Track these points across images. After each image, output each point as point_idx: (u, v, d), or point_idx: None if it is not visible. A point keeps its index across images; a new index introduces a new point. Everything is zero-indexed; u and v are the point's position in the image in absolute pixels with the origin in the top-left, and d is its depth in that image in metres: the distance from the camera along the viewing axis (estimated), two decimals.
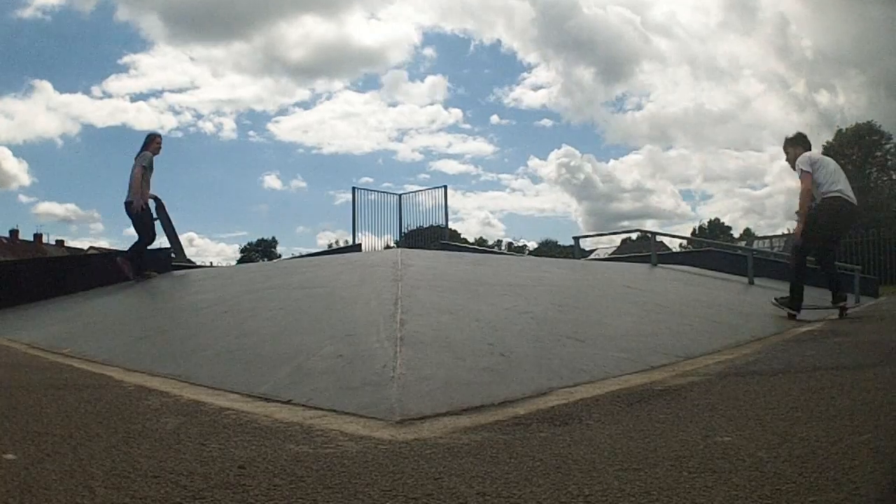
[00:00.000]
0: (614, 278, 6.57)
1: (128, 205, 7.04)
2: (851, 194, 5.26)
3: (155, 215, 7.35)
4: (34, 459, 1.58)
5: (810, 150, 5.60)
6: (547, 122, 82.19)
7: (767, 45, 68.82)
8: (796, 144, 5.59)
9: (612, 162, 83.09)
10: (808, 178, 5.19)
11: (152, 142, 7.21)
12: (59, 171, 73.62)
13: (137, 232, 7.19)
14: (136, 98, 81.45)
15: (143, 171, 7.00)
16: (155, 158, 7.18)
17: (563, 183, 78.59)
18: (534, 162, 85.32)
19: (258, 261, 43.18)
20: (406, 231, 15.52)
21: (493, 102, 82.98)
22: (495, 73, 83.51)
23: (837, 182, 5.21)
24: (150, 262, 7.56)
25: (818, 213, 5.24)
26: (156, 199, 7.32)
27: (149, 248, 7.42)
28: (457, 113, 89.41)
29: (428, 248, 12.90)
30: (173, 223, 7.98)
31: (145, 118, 73.61)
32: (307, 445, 1.72)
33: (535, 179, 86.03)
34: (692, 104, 73.80)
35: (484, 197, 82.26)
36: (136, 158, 7.09)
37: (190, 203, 78.70)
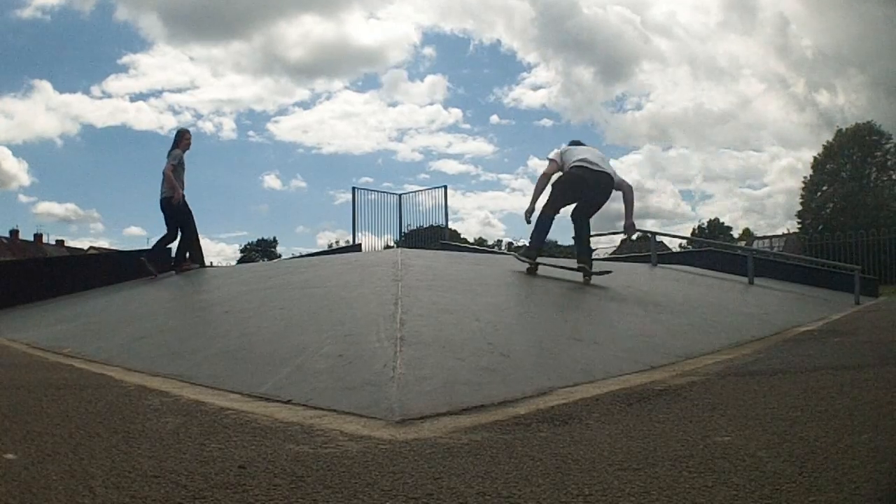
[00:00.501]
0: (614, 278, 6.57)
1: (163, 201, 7.10)
2: (601, 165, 5.57)
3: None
4: (34, 459, 1.58)
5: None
6: (547, 122, 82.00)
7: (767, 44, 68.69)
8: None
9: (612, 161, 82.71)
10: (552, 164, 5.67)
11: (182, 138, 7.26)
12: (59, 171, 73.54)
13: (181, 227, 7.23)
14: (135, 98, 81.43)
15: (175, 168, 7.06)
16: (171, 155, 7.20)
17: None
18: (533, 162, 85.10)
19: (258, 261, 43.19)
20: (406, 231, 15.53)
21: (492, 102, 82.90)
22: (495, 73, 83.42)
23: (584, 156, 5.58)
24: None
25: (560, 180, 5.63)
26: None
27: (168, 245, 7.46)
28: (456, 113, 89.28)
29: (428, 248, 12.90)
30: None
31: (145, 118, 73.68)
32: (307, 445, 1.72)
33: (535, 179, 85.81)
34: (692, 104, 73.72)
35: (484, 197, 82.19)
36: (167, 157, 7.16)
37: (189, 203, 78.57)
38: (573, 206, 5.61)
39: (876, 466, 1.47)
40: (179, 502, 1.29)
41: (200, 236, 7.62)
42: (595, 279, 5.51)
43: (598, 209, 5.75)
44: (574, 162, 5.55)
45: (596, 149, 5.89)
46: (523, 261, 5.67)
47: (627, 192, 5.71)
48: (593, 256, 6.16)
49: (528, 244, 5.76)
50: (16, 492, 1.33)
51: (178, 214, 7.16)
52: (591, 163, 5.52)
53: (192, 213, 7.32)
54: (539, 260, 5.70)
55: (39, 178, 73.36)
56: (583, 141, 6.09)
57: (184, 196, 7.18)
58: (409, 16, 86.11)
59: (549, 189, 5.62)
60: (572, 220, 5.67)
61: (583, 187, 5.51)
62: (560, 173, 5.63)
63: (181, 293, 6.08)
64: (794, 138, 65.54)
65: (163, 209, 7.17)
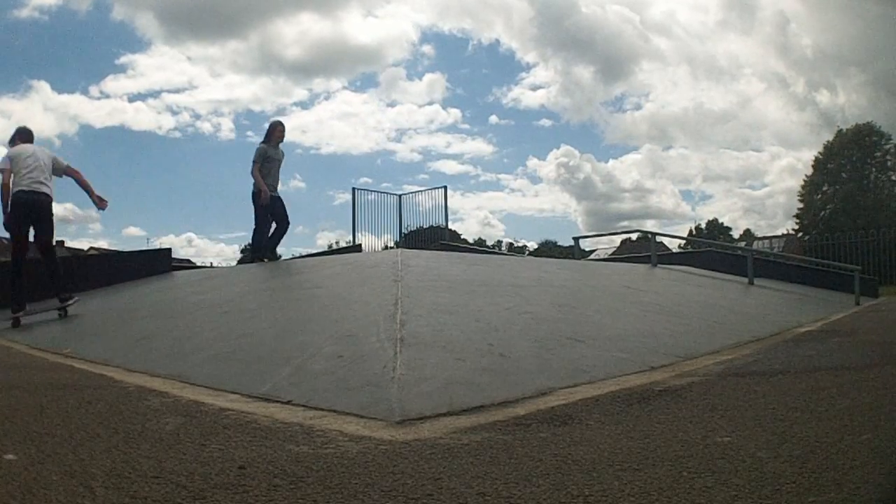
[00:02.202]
0: (614, 279, 6.58)
1: (253, 195, 7.10)
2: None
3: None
4: (35, 460, 1.58)
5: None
6: (546, 122, 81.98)
7: (767, 44, 68.58)
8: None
9: (611, 161, 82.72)
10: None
11: (274, 130, 7.28)
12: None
13: (276, 221, 7.22)
14: (133, 98, 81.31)
15: (260, 164, 7.04)
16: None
17: (563, 183, 78.30)
18: (533, 162, 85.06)
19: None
20: (406, 231, 15.52)
21: (491, 102, 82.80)
22: (494, 73, 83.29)
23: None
24: (148, 263, 7.57)
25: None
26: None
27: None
28: (455, 113, 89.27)
29: (428, 248, 12.90)
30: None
31: (143, 118, 73.54)
32: (307, 446, 1.72)
33: (535, 180, 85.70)
34: (692, 104, 73.59)
35: (483, 197, 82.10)
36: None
37: (189, 203, 78.77)
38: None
39: (876, 467, 1.47)
40: (179, 503, 1.29)
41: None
42: (595, 279, 5.51)
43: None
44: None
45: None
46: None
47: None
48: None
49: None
50: (16, 492, 1.33)
51: (269, 208, 7.12)
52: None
53: (284, 206, 7.29)
54: None
55: None
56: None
57: (275, 188, 7.16)
58: (408, 14, 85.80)
59: None
60: None
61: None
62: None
63: (181, 294, 6.08)
64: (794, 138, 65.57)
65: (253, 202, 7.16)
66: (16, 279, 5.60)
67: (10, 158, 5.59)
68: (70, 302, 5.55)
